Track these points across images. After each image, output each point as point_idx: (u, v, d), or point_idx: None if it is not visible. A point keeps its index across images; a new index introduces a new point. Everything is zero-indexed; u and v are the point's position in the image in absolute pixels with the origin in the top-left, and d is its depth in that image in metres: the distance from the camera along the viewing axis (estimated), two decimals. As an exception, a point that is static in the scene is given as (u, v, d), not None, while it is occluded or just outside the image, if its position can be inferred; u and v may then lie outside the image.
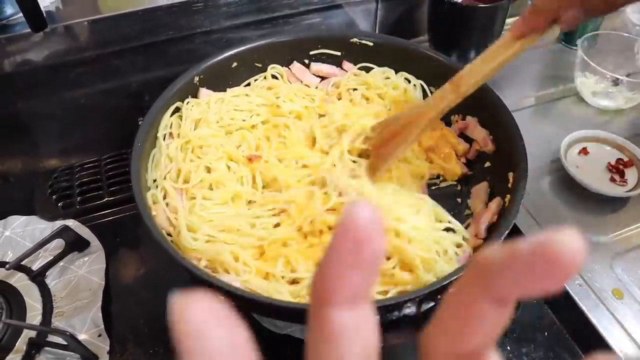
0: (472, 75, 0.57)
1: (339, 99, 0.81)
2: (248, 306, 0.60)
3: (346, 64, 0.83)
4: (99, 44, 1.02)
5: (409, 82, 0.81)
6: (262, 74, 0.82)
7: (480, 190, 0.71)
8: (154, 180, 0.67)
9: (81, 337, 0.66)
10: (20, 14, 0.89)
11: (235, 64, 0.78)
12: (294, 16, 1.10)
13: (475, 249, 0.63)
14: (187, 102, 0.74)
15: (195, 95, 0.76)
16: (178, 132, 0.72)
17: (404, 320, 0.48)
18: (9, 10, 0.96)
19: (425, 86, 0.81)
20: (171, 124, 0.72)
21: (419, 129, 0.60)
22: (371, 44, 0.81)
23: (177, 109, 0.74)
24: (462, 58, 0.99)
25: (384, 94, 0.80)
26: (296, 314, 0.55)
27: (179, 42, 1.06)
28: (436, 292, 0.51)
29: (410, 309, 0.49)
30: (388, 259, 0.59)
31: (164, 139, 0.70)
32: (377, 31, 1.17)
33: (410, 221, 0.60)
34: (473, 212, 0.70)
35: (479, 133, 0.74)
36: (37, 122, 1.01)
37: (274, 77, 0.81)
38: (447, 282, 0.50)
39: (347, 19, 1.16)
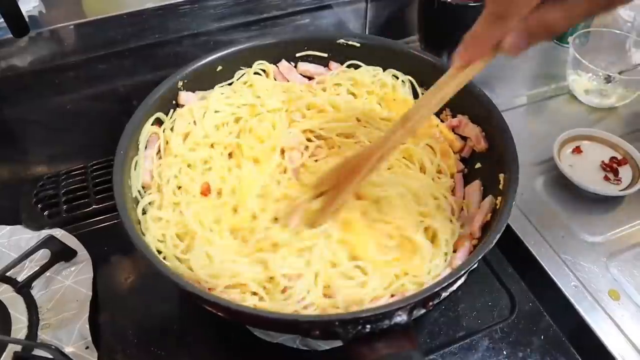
0: (419, 109, 0.56)
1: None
2: (237, 318, 0.58)
3: (333, 65, 0.82)
4: (84, 48, 1.01)
5: (397, 78, 0.80)
6: (245, 70, 0.80)
7: (473, 189, 0.70)
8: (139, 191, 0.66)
9: (68, 349, 0.65)
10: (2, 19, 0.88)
11: (220, 67, 0.77)
12: (283, 17, 1.09)
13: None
14: (170, 117, 0.73)
15: (177, 100, 0.74)
16: (166, 147, 0.71)
17: (395, 329, 0.46)
18: (-9, 15, 0.94)
19: (414, 82, 0.80)
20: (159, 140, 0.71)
21: (369, 166, 0.60)
22: (358, 44, 0.80)
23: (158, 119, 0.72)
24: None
25: (371, 91, 0.79)
26: (286, 325, 0.53)
27: (166, 45, 1.05)
28: (428, 299, 0.50)
29: (401, 317, 0.47)
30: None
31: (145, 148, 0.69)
32: (367, 32, 1.16)
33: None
34: (467, 211, 0.69)
35: (471, 130, 0.72)
36: (23, 128, 1.00)
37: (256, 74, 0.80)
38: (438, 288, 0.49)
39: (336, 20, 1.14)
